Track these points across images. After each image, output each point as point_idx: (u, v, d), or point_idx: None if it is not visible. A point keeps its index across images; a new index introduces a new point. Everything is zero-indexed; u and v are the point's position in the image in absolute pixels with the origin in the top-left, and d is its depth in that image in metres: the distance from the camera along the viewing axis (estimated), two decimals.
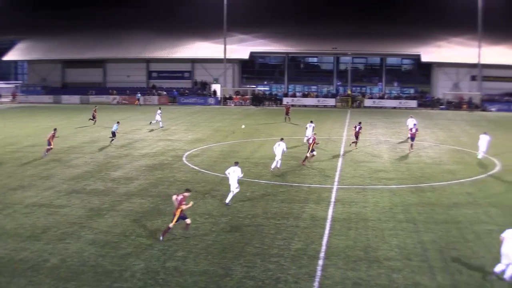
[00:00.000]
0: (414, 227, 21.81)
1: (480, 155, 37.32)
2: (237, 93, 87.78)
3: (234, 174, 24.58)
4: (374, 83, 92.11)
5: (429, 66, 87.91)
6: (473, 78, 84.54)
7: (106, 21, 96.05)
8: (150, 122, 54.42)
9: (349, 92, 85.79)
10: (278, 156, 31.51)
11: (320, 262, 18.21)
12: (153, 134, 48.38)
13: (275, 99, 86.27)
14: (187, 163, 34.99)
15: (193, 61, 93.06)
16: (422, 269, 17.58)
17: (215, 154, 38.27)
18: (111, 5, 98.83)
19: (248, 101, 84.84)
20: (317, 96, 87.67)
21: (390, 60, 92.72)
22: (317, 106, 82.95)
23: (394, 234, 20.99)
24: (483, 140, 37.49)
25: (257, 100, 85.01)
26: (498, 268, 16.87)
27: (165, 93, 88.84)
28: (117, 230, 21.12)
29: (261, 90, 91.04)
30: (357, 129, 40.84)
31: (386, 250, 19.27)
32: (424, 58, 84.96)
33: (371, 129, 52.90)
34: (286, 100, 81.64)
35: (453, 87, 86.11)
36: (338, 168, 33.55)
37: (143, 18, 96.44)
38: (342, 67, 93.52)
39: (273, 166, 31.79)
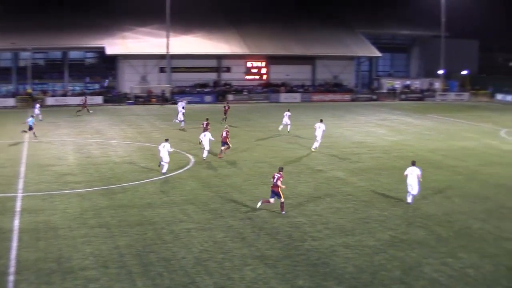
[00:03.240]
0: (108, 232, 23.06)
1: (315, 145, 42.76)
2: None
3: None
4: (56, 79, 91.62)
5: (114, 59, 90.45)
6: (162, 70, 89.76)
7: None
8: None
9: (29, 90, 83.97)
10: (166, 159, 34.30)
11: (11, 278, 18.38)
12: None
13: None
14: None
15: None
16: (120, 276, 18.77)
17: None
18: None
19: None
20: None
21: (73, 54, 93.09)
22: None
23: (87, 241, 21.95)
24: (319, 130, 42.49)
25: None
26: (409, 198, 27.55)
27: None
28: None
29: None
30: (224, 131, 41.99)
31: (81, 259, 20.10)
32: (109, 51, 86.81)
33: (55, 129, 53.38)
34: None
35: (141, 80, 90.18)
36: (22, 174, 33.63)
37: None
38: (22, 63, 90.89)
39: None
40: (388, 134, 52.64)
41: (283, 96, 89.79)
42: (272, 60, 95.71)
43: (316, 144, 43.04)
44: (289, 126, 51.68)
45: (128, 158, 39.70)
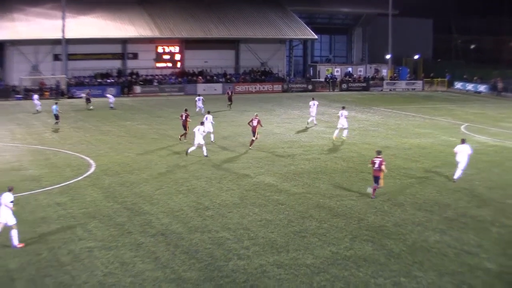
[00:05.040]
0: None
1: (343, 134, 48.38)
2: None
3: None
4: None
5: (1, 45, 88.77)
6: (57, 57, 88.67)
7: None
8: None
9: None
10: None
11: None
12: None
13: None
14: None
15: None
16: None
17: None
18: None
19: None
20: None
21: None
22: None
23: None
24: (343, 117, 48.43)
25: None
26: (456, 175, 34.55)
27: None
28: None
29: None
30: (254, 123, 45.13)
31: None
32: None
33: None
34: None
35: (32, 70, 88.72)
36: None
37: None
38: None
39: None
40: (327, 131, 53.42)
41: (201, 87, 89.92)
42: (187, 44, 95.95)
43: (345, 132, 48.63)
44: (314, 119, 57.93)
45: (17, 163, 39.48)
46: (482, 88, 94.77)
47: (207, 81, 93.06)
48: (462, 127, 56.39)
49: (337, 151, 44.12)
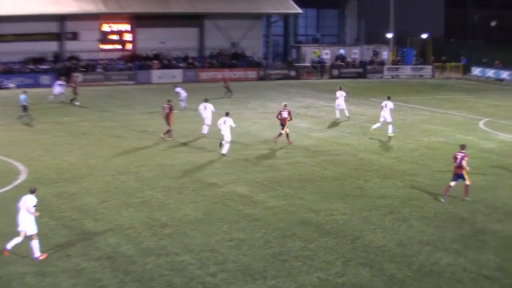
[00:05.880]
0: None
1: (389, 131, 50.42)
2: None
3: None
4: None
5: None
6: None
7: None
8: None
9: None
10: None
11: None
12: None
13: None
14: None
15: None
16: None
17: None
18: None
19: None
20: None
21: None
22: None
23: None
24: (387, 109, 50.80)
25: None
26: None
27: None
28: None
29: None
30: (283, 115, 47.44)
31: None
32: None
33: None
34: None
35: None
36: None
37: None
38: None
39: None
40: (314, 128, 54.06)
41: (157, 74, 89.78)
42: (139, 21, 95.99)
43: (390, 128, 50.72)
44: (346, 111, 59.15)
45: None
46: (505, 74, 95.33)
47: (164, 67, 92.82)
48: (480, 123, 56.85)
49: (327, 154, 44.23)
